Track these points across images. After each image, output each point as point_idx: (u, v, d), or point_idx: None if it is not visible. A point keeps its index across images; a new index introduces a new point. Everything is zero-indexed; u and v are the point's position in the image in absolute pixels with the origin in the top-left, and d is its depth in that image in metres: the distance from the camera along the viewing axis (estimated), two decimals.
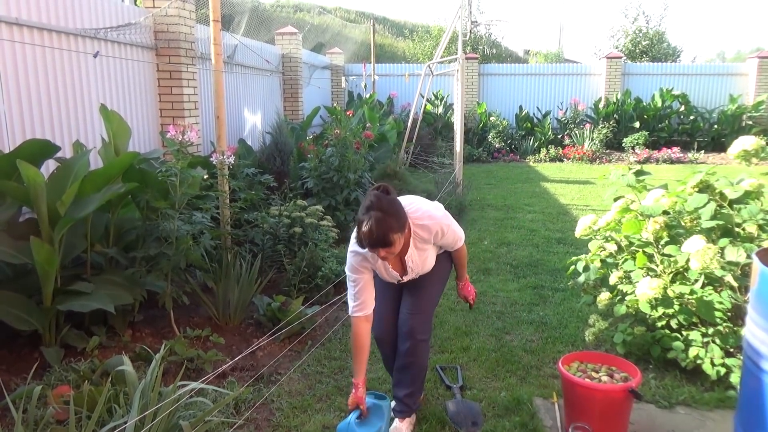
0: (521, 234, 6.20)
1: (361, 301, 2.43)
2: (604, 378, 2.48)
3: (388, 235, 2.15)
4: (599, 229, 3.49)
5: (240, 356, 3.07)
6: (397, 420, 2.61)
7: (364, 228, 2.15)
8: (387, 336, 2.67)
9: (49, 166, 3.96)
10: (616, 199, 3.29)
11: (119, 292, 3.27)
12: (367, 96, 11.85)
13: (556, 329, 3.71)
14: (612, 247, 3.45)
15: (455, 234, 2.54)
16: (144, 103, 5.57)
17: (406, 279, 2.55)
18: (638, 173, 3.22)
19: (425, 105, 12.32)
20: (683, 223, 3.07)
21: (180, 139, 3.41)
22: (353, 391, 2.46)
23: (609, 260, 3.44)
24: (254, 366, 3.29)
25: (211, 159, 4.40)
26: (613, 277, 3.17)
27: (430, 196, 6.82)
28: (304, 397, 2.94)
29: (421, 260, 2.49)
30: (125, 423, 2.13)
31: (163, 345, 2.48)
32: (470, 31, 10.76)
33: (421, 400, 2.76)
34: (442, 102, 13.76)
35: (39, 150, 3.20)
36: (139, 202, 3.39)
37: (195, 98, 6.11)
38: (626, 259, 3.35)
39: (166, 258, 3.31)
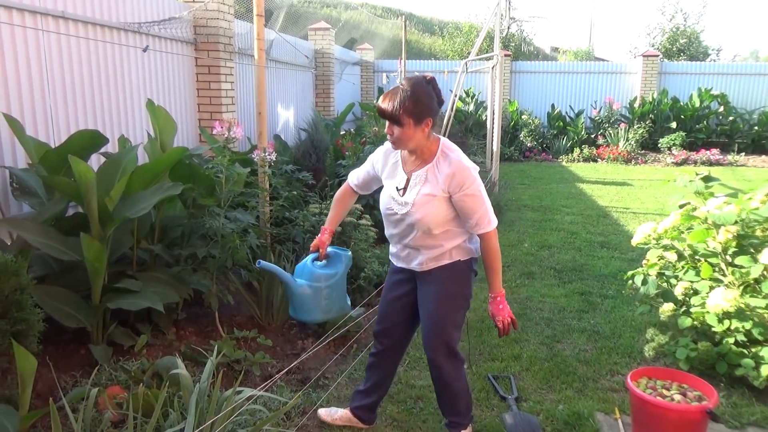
0: (562, 237, 6.04)
1: (357, 177, 2.51)
2: (677, 397, 2.34)
3: (399, 110, 2.10)
4: (658, 237, 3.33)
5: (295, 363, 3.00)
6: None
7: (384, 96, 2.16)
8: (384, 340, 2.58)
9: (92, 162, 3.94)
10: (682, 206, 3.13)
11: (166, 291, 3.22)
12: None
13: (609, 339, 3.57)
14: (672, 257, 3.29)
15: (481, 204, 2.18)
16: (183, 98, 5.54)
17: (402, 203, 2.27)
18: (706, 179, 3.07)
19: (456, 102, 12.15)
20: (755, 233, 2.91)
21: (226, 135, 3.34)
22: (319, 235, 2.54)
23: (668, 271, 3.29)
24: (300, 369, 3.22)
25: (252, 156, 4.34)
26: (679, 288, 3.02)
27: None
28: None
29: (423, 198, 2.20)
30: (182, 429, 2.08)
31: (215, 349, 2.41)
32: (507, 28, 10.57)
33: (472, 414, 2.60)
34: (473, 99, 13.58)
35: (89, 142, 3.16)
36: (185, 199, 3.34)
37: (232, 93, 6.07)
38: (687, 269, 3.20)
39: (213, 257, 3.25)
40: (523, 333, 3.67)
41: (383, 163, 2.40)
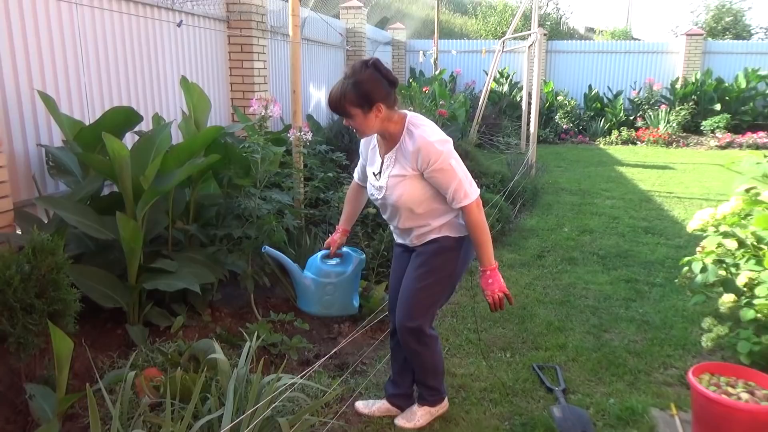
0: (603, 221, 5.82)
1: (357, 171, 2.53)
2: (744, 395, 2.18)
3: (343, 103, 2.09)
4: (716, 223, 3.12)
5: (334, 350, 2.89)
6: (416, 404, 2.55)
7: (332, 89, 2.13)
8: (393, 316, 2.54)
9: (126, 140, 3.89)
10: (748, 191, 2.92)
11: (201, 271, 3.16)
12: (437, 72, 11.42)
13: (660, 329, 3.39)
14: (731, 244, 3.08)
15: (452, 177, 2.11)
16: (216, 77, 5.46)
17: (378, 187, 2.27)
18: None
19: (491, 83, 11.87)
20: None
21: (263, 113, 3.24)
22: (334, 233, 2.60)
23: (727, 259, 3.08)
24: (337, 354, 3.14)
25: (288, 135, 4.24)
26: (742, 278, 2.82)
27: (504, 180, 6.51)
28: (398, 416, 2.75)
29: (394, 180, 2.19)
30: (220, 415, 2.00)
31: (254, 335, 2.33)
32: (546, 4, 10.22)
33: (444, 396, 2.57)
34: (508, 80, 13.24)
35: (123, 119, 3.09)
36: (221, 179, 3.26)
37: (265, 72, 5.97)
38: (749, 258, 2.99)
39: (249, 238, 3.17)
40: (568, 321, 3.52)
41: (365, 151, 2.40)
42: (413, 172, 2.16)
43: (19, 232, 3.04)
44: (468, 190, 2.15)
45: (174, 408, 2.08)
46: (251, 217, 3.21)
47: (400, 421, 2.51)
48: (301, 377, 2.11)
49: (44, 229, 2.90)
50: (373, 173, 2.31)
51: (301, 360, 3.02)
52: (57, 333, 1.97)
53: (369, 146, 2.37)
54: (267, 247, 2.65)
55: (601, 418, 2.55)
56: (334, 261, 2.57)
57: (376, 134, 2.26)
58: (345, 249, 2.60)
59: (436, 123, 6.22)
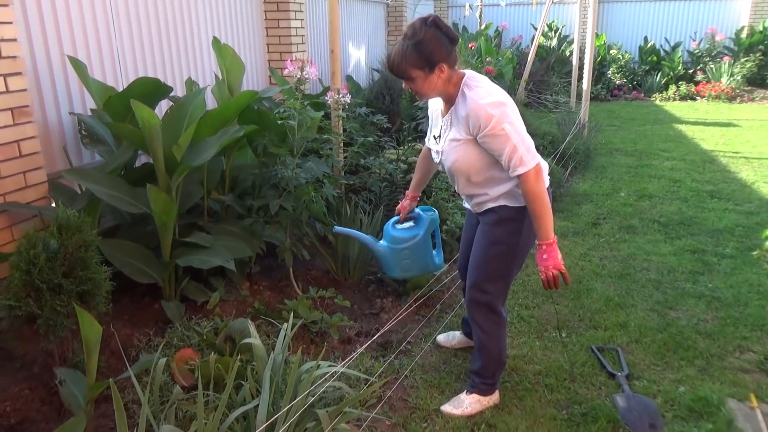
0: (663, 185, 5.42)
1: (427, 136, 2.40)
2: None
3: (404, 65, 1.99)
4: None
5: (386, 327, 2.76)
6: (465, 391, 2.41)
7: (392, 51, 2.04)
8: (463, 275, 2.57)
9: (162, 107, 3.76)
10: None
11: (238, 245, 3.03)
12: (482, 27, 10.86)
13: (733, 307, 3.09)
14: None
15: (506, 142, 1.95)
16: (252, 37, 5.25)
17: (437, 151, 2.23)
18: None
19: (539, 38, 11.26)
20: None
21: (298, 75, 3.02)
22: (403, 199, 2.62)
23: None
24: (379, 330, 2.98)
25: (325, 98, 4.02)
26: None
27: (555, 142, 6.14)
28: (440, 374, 2.59)
29: (450, 144, 2.11)
30: (255, 405, 1.87)
31: (291, 317, 2.17)
32: None
33: (497, 387, 2.43)
34: (557, 34, 12.54)
35: (151, 89, 2.93)
36: (256, 147, 3.09)
37: (303, 32, 5.72)
38: None
39: (286, 212, 3.00)
40: (629, 297, 3.25)
41: (431, 113, 2.33)
42: (467, 137, 2.05)
43: (53, 204, 2.97)
44: (524, 157, 1.97)
45: (207, 398, 1.96)
46: (288, 187, 3.04)
47: (446, 408, 2.36)
48: (343, 366, 1.94)
49: (77, 202, 2.81)
50: (434, 136, 2.26)
51: (342, 338, 2.88)
52: (85, 317, 1.85)
53: (433, 108, 2.30)
54: (337, 227, 2.77)
55: (670, 409, 2.31)
56: (407, 225, 2.62)
57: (426, 100, 2.20)
58: (417, 210, 2.63)
59: None
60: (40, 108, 3.07)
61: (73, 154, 3.28)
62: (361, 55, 8.14)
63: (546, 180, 2.10)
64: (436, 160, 2.27)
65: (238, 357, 2.17)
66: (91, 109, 3.22)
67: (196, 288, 3.03)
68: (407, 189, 4.28)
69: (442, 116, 2.18)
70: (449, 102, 2.11)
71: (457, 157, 2.09)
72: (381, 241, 2.66)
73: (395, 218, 2.64)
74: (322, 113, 3.39)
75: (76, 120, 3.26)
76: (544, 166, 2.11)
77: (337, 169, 3.97)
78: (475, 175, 2.11)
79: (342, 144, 4.05)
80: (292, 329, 2.11)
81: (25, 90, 2.70)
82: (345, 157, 4.06)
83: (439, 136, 2.19)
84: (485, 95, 1.98)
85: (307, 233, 3.44)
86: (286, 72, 3.08)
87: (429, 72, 1.99)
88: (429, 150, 2.43)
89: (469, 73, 2.09)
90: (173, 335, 2.62)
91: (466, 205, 2.39)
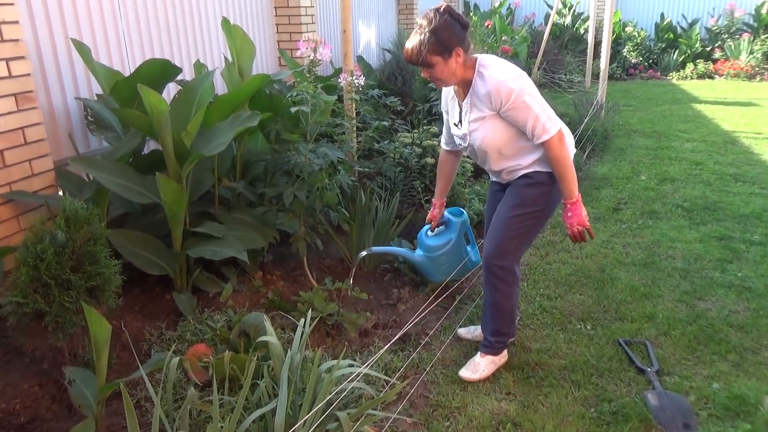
0: (684, 167, 5.27)
1: (444, 136, 2.51)
2: None
3: (423, 53, 2.08)
4: None
5: (407, 326, 2.68)
6: (479, 354, 2.51)
7: (407, 42, 2.13)
8: None
9: (170, 91, 3.64)
10: None
11: (251, 234, 2.93)
12: (496, 5, 10.58)
13: (765, 298, 2.97)
14: None
15: (528, 112, 2.08)
16: (260, 18, 5.10)
17: (461, 135, 2.31)
18: None
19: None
20: None
21: (312, 56, 2.89)
22: (432, 208, 2.68)
23: None
24: (397, 323, 2.89)
25: (338, 80, 3.90)
26: None
27: (572, 123, 5.97)
28: (462, 369, 2.50)
29: (474, 125, 2.21)
30: (273, 407, 1.79)
31: (308, 311, 2.08)
32: None
33: (510, 343, 2.59)
34: (571, 11, 12.23)
35: (159, 72, 2.81)
36: (268, 133, 2.97)
37: (312, 11, 5.56)
38: None
39: (299, 200, 2.90)
40: (655, 287, 3.13)
41: (446, 105, 2.41)
42: (490, 112, 2.16)
43: (60, 193, 2.88)
44: (547, 125, 2.11)
45: (222, 400, 1.88)
46: (301, 174, 2.93)
47: (464, 374, 2.45)
48: (365, 367, 1.85)
49: (84, 191, 2.72)
50: (454, 123, 2.34)
51: (359, 330, 2.79)
52: (93, 316, 1.77)
53: (448, 98, 2.38)
54: (373, 248, 2.92)
55: (705, 407, 2.21)
56: (439, 230, 2.71)
57: (448, 86, 2.28)
58: (446, 215, 2.69)
59: None
60: (44, 93, 2.97)
61: (80, 141, 3.19)
62: (372, 36, 7.95)
63: (572, 147, 2.26)
64: (464, 144, 2.32)
65: (254, 355, 2.09)
66: (97, 95, 3.11)
67: (208, 279, 2.95)
68: (421, 173, 4.20)
69: (461, 101, 2.26)
70: (465, 86, 2.20)
71: (485, 133, 2.19)
72: (417, 251, 2.75)
73: (427, 227, 2.72)
74: (335, 96, 3.26)
75: (82, 106, 3.15)
76: (567, 133, 2.25)
77: (351, 154, 3.86)
78: (506, 148, 2.20)
79: (355, 128, 3.93)
80: (309, 325, 2.02)
81: (29, 75, 2.60)
82: (359, 142, 3.94)
83: (460, 121, 2.29)
84: (502, 71, 2.10)
85: (321, 221, 3.34)
86: (298, 53, 2.94)
87: (447, 57, 2.09)
88: (446, 153, 2.54)
89: (481, 56, 2.20)
90: (186, 329, 2.54)
91: (494, 179, 2.49)
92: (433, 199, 2.69)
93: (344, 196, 3.50)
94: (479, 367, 2.45)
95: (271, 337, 1.95)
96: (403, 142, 4.31)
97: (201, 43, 4.17)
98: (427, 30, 2.07)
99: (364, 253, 2.89)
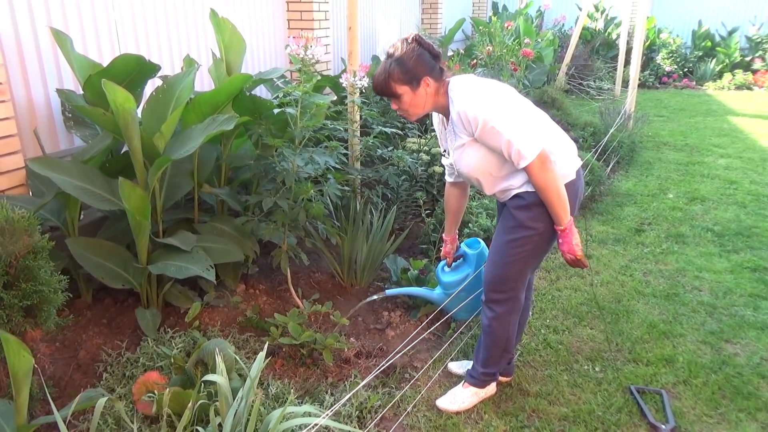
0: (717, 186, 4.87)
1: (445, 167, 2.31)
2: None
3: (389, 82, 1.99)
4: None
5: (386, 361, 2.38)
6: (462, 384, 2.32)
7: (375, 73, 2.04)
8: None
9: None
10: None
11: (228, 247, 2.69)
12: (522, 6, 10.21)
13: None
14: None
15: (500, 137, 1.90)
16: (270, 13, 4.86)
17: (449, 164, 2.21)
18: None
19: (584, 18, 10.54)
20: None
21: (302, 55, 2.63)
22: (443, 245, 2.54)
23: None
24: (383, 351, 2.62)
25: (340, 80, 3.64)
26: None
27: (596, 134, 5.61)
28: (449, 414, 2.21)
29: (457, 152, 2.06)
30: None
31: (264, 348, 1.82)
32: None
33: (503, 382, 2.39)
34: (603, 15, 11.77)
35: (134, 67, 2.58)
36: (251, 136, 2.73)
37: (326, 8, 5.30)
38: None
39: (282, 211, 2.64)
40: (677, 324, 2.80)
41: (438, 132, 2.27)
42: (468, 138, 2.01)
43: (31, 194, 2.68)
44: (523, 150, 1.90)
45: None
46: (288, 182, 2.67)
47: (442, 403, 2.26)
48: (327, 415, 1.57)
49: (48, 193, 2.51)
50: (443, 151, 2.23)
51: (338, 359, 2.52)
52: (12, 345, 1.53)
53: (438, 126, 2.25)
54: (387, 290, 2.72)
55: None
56: (457, 263, 2.56)
57: (439, 114, 2.15)
58: (462, 248, 2.53)
59: (519, 65, 5.36)
60: (23, 86, 2.78)
61: (64, 138, 2.99)
62: (393, 36, 7.68)
63: (575, 161, 2.06)
64: (455, 172, 2.19)
65: (200, 394, 1.84)
66: (56, 91, 2.91)
67: (181, 293, 2.71)
68: (428, 183, 3.92)
69: (445, 129, 2.14)
70: (446, 113, 2.08)
71: (470, 160, 2.03)
72: (436, 289, 2.62)
73: (443, 262, 2.59)
74: (330, 99, 2.99)
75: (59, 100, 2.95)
76: (562, 147, 2.03)
77: (353, 159, 3.60)
78: (496, 170, 2.03)
79: (358, 132, 3.67)
80: (259, 367, 1.76)
81: None
82: (361, 149, 3.68)
83: (447, 150, 2.17)
84: (466, 96, 1.96)
85: (309, 234, 3.08)
86: (288, 50, 2.69)
87: (415, 86, 1.99)
88: (451, 185, 2.36)
89: (452, 78, 2.06)
90: (145, 351, 2.31)
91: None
92: (443, 235, 2.52)
93: (337, 206, 3.24)
94: (458, 398, 2.27)
95: (218, 377, 1.69)
96: (410, 148, 4.03)
97: (194, 36, 3.94)
98: (393, 59, 1.99)
99: (375, 297, 2.68)
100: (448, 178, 2.33)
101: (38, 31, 2.84)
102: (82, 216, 2.97)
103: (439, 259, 2.66)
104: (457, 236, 2.52)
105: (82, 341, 2.50)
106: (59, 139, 3.00)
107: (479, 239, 2.56)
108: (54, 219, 2.65)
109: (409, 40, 2.01)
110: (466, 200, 2.41)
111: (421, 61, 1.98)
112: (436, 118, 2.23)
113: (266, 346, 1.80)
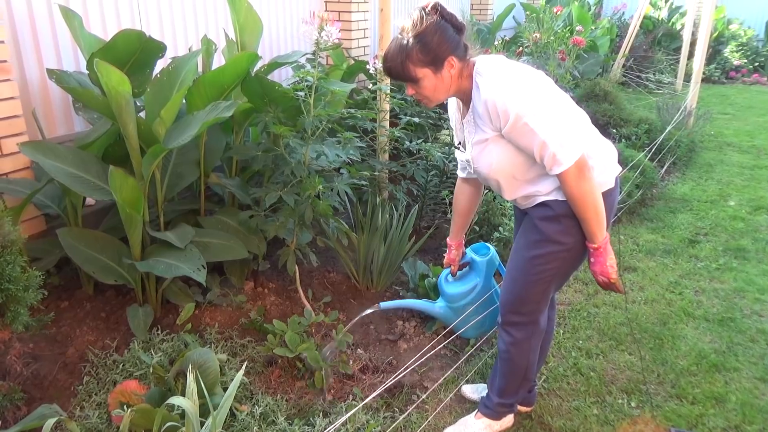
0: None
1: (458, 162, 2.03)
2: None
3: (407, 65, 1.64)
4: None
5: (404, 370, 2.12)
6: (474, 413, 2.07)
7: (386, 50, 1.70)
8: None
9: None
10: None
11: (230, 243, 2.50)
12: None
13: None
14: None
15: (534, 135, 1.58)
16: None
17: (466, 160, 1.88)
18: None
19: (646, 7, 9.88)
20: None
21: (316, 37, 2.39)
22: (447, 251, 2.24)
23: None
24: (392, 366, 2.38)
25: (368, 66, 3.40)
26: None
27: (652, 131, 5.17)
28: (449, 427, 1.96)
29: (477, 148, 1.72)
30: None
31: (241, 369, 1.61)
32: None
33: (522, 412, 2.13)
34: (667, 3, 11.02)
35: (137, 46, 2.39)
36: (258, 124, 2.53)
37: None
38: None
39: (288, 207, 2.43)
40: (731, 355, 2.44)
41: (453, 121, 1.93)
42: (493, 133, 1.68)
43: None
44: (559, 155, 1.59)
45: None
46: (292, 176, 2.45)
47: None
48: None
49: (43, 179, 2.38)
50: (458, 143, 1.91)
51: (340, 373, 2.29)
52: None
53: (452, 113, 1.92)
54: (381, 304, 2.33)
55: None
56: (463, 272, 2.29)
57: (438, 103, 1.79)
58: (469, 254, 2.26)
59: (569, 54, 4.92)
60: (36, 62, 2.68)
61: (78, 120, 2.89)
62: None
63: (615, 168, 1.76)
64: (471, 170, 1.90)
65: (173, 411, 1.64)
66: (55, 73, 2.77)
67: (181, 290, 2.54)
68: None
69: (463, 119, 1.81)
70: (466, 99, 1.76)
71: (491, 159, 1.71)
72: (438, 302, 2.34)
73: (446, 271, 2.31)
74: (351, 86, 2.74)
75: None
76: (606, 153, 1.75)
77: (380, 151, 3.36)
78: (521, 173, 1.73)
79: (387, 122, 3.42)
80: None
81: (1, 42, 2.28)
82: (390, 140, 3.43)
83: (461, 143, 1.87)
84: (497, 84, 1.62)
85: (324, 231, 2.86)
86: (301, 31, 2.46)
87: (439, 68, 1.65)
88: (463, 182, 2.05)
89: (479, 58, 1.72)
90: (132, 354, 2.14)
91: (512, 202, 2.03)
92: (447, 239, 2.22)
93: (356, 200, 3.02)
94: (470, 429, 2.03)
95: (184, 401, 1.48)
96: (442, 141, 3.75)
97: (225, 18, 3.76)
98: (410, 36, 1.62)
99: (369, 311, 2.35)
100: (460, 173, 2.03)
101: (52, 5, 2.71)
102: (94, 203, 2.86)
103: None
104: (463, 243, 2.23)
105: (75, 337, 2.36)
106: (70, 123, 2.88)
107: (488, 244, 2.29)
108: (54, 206, 2.53)
109: (429, 10, 1.64)
110: (479, 200, 2.09)
111: (444, 38, 1.63)
112: (452, 104, 1.90)
113: (242, 370, 1.59)
